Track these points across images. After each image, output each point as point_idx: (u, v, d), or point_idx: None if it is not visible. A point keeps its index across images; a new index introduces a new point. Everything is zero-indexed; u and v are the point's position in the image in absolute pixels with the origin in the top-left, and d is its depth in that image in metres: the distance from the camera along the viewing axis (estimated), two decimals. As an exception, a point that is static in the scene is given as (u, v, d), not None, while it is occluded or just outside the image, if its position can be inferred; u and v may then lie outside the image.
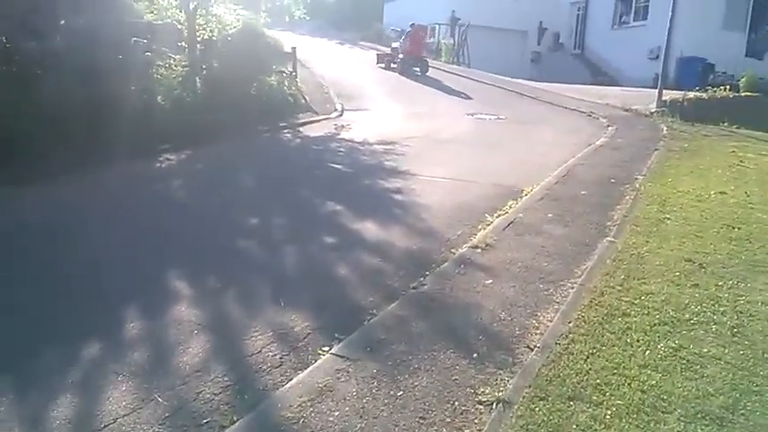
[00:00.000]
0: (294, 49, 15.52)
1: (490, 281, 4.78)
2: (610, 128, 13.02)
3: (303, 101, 14.27)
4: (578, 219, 6.49)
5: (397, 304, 4.35)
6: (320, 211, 6.99)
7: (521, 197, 7.46)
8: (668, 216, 6.57)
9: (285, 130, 11.94)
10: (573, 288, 4.67)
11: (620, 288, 4.63)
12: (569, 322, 4.02)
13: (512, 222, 6.33)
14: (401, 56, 21.49)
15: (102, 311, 4.26)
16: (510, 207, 7.00)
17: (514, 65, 26.98)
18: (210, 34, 15.02)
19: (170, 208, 7.00)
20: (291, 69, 15.23)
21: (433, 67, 22.10)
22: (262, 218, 6.72)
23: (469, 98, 16.84)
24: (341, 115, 14.03)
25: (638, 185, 7.91)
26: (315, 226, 6.35)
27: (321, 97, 15.69)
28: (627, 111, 15.18)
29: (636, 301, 4.39)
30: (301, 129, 12.20)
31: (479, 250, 5.46)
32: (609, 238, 5.86)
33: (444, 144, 10.96)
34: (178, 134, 10.15)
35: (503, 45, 28.02)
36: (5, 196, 7.12)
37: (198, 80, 11.95)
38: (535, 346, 3.72)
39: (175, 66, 12.52)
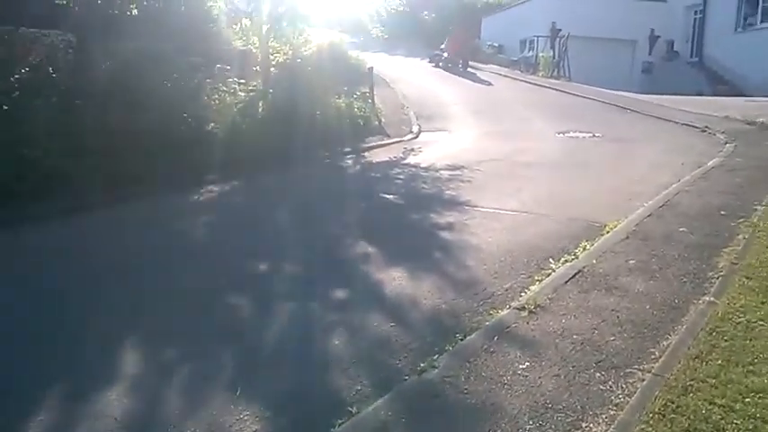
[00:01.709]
0: (371, 68, 14.66)
1: (526, 364, 3.49)
2: (727, 145, 11.06)
3: (377, 123, 13.36)
4: (669, 267, 5.00)
5: (384, 401, 3.17)
6: (345, 254, 5.91)
7: (600, 235, 6.03)
8: (796, 264, 4.93)
9: (348, 156, 11.04)
10: (643, 380, 3.30)
11: (713, 381, 3.21)
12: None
13: (579, 272, 4.95)
14: (445, 55, 25.27)
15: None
16: (583, 249, 5.61)
17: (623, 77, 24.82)
18: (285, 57, 14.60)
19: (175, 253, 6.06)
20: (367, 90, 14.33)
21: (528, 83, 20.67)
22: (273, 264, 5.74)
23: (563, 115, 15.22)
24: (416, 137, 12.99)
25: (756, 220, 6.21)
26: (331, 275, 5.29)
27: (399, 118, 14.73)
28: (750, 124, 13.01)
29: (737, 406, 2.97)
30: (366, 153, 11.26)
31: (525, 314, 4.17)
32: (708, 298, 4.36)
33: (522, 168, 9.59)
34: (230, 163, 9.49)
35: (609, 56, 25.87)
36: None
37: (261, 105, 11.30)
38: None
39: (241, 91, 11.99)
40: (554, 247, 5.75)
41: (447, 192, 8.18)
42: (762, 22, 21.02)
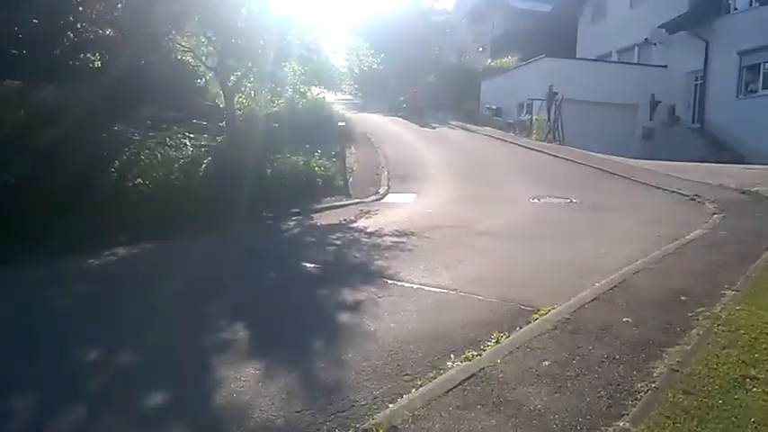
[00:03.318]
0: (342, 125, 13.93)
1: None
2: (715, 216, 10.00)
3: (341, 182, 12.46)
4: (590, 373, 3.91)
5: None
6: (204, 342, 4.83)
7: (525, 323, 4.96)
8: (755, 374, 3.81)
9: (294, 218, 10.11)
10: None
11: None
12: None
13: (472, 377, 3.87)
14: (404, 105, 31.45)
15: None
16: (495, 342, 4.54)
17: (622, 142, 23.90)
18: (251, 112, 13.97)
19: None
20: (348, 147, 13.51)
21: (518, 145, 19.92)
22: (100, 354, 4.69)
23: (545, 179, 14.26)
24: (380, 199, 12.09)
25: (719, 309, 5.10)
26: (164, 370, 4.25)
27: (369, 178, 13.87)
28: (744, 193, 11.96)
29: None
30: (316, 215, 10.32)
31: (373, 440, 3.10)
32: (622, 424, 3.26)
33: (477, 237, 8.57)
34: (154, 222, 8.61)
35: (609, 120, 25.05)
36: None
37: (205, 161, 10.49)
38: None
39: (191, 146, 11.24)
40: (464, 338, 4.70)
41: (378, 262, 7.17)
42: (763, 88, 20.23)
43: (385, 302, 5.64)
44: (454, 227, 9.23)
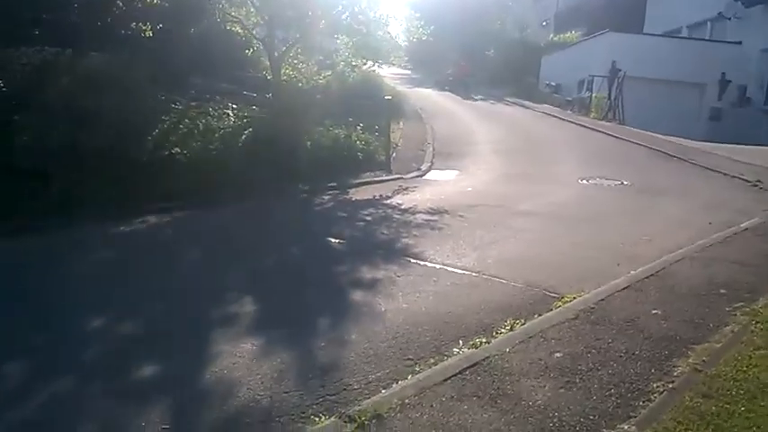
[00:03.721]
0: (389, 98, 13.65)
1: None
2: (776, 203, 9.34)
3: (382, 157, 12.23)
4: (603, 368, 3.64)
5: None
6: (212, 314, 4.75)
7: (547, 310, 4.69)
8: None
9: (329, 192, 9.95)
10: None
11: None
12: None
13: (474, 365, 3.66)
14: (451, 78, 30.97)
15: None
16: (509, 330, 4.31)
17: (689, 123, 22.70)
18: (299, 84, 13.87)
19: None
20: (385, 123, 13.28)
21: (575, 124, 19.15)
22: (105, 323, 4.69)
23: (598, 160, 13.63)
24: (422, 175, 11.82)
25: (761, 306, 4.69)
26: (166, 342, 4.20)
27: (414, 154, 13.58)
28: (814, 179, 11.13)
29: None
30: (352, 190, 10.14)
31: (350, 429, 2.94)
32: (626, 426, 2.99)
33: (516, 217, 8.23)
34: (189, 191, 8.65)
35: (675, 100, 23.79)
36: None
37: (245, 132, 10.46)
38: None
39: (235, 117, 11.23)
40: (477, 323, 4.47)
41: (404, 240, 6.96)
42: None
43: (403, 282, 5.45)
44: (493, 206, 8.90)
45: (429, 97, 25.40)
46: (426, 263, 6.06)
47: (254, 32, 13.61)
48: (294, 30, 13.36)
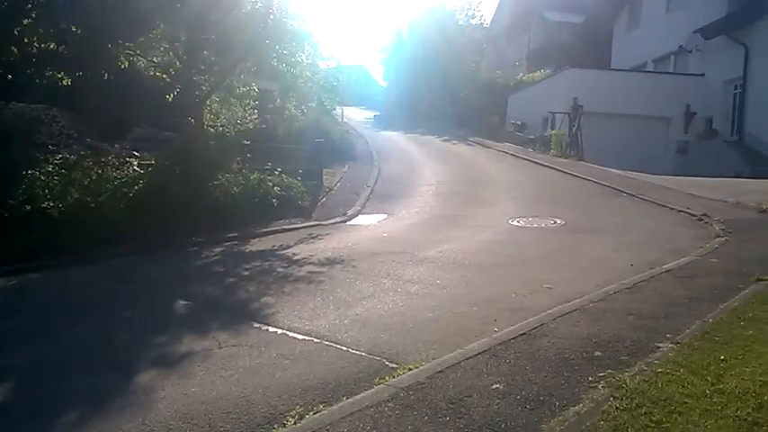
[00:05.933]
0: (318, 142, 12.91)
1: None
2: (717, 239, 8.49)
3: (305, 203, 11.38)
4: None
5: None
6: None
7: (369, 388, 3.74)
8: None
9: (226, 243, 9.07)
10: None
11: None
12: None
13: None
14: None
15: None
16: (295, 423, 3.34)
17: (655, 157, 22.00)
18: (223, 128, 13.13)
19: None
20: (316, 166, 12.50)
21: (531, 162, 18.57)
22: None
23: (539, 199, 12.80)
24: (346, 221, 11.00)
25: (634, 372, 3.75)
26: None
27: (346, 197, 12.78)
28: (762, 212, 10.29)
29: None
30: (255, 240, 9.27)
31: None
32: None
33: (410, 267, 7.32)
34: (63, 248, 7.76)
35: (639, 134, 23.06)
36: None
37: (141, 181, 9.60)
38: None
39: (137, 166, 10.42)
40: (266, 412, 3.58)
41: (264, 299, 6.04)
42: (809, 96, 18.17)
43: (219, 355, 4.50)
44: (397, 253, 8.02)
45: (390, 139, 24.80)
46: (269, 327, 5.13)
47: (174, 75, 12.89)
48: (216, 73, 12.65)
